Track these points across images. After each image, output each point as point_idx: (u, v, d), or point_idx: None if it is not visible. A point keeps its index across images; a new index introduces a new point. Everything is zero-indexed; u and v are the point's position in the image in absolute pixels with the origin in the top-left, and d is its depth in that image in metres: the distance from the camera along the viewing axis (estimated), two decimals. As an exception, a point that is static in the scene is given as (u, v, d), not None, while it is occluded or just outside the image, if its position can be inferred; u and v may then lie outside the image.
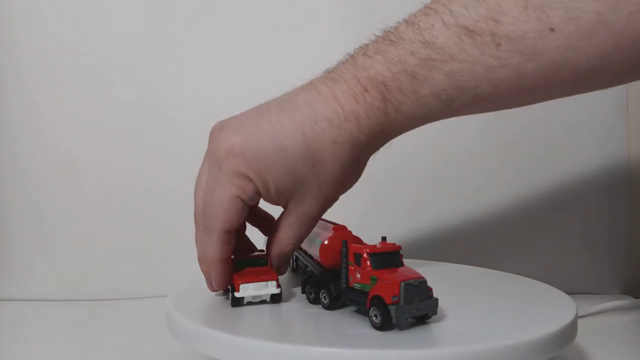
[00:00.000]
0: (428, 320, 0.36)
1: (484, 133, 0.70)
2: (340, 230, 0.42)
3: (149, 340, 0.50)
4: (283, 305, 0.41)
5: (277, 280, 0.41)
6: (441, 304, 0.41)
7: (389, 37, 0.37)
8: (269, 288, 0.40)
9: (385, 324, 0.34)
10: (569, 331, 0.36)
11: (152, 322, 0.55)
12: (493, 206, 0.68)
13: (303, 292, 0.42)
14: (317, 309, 0.40)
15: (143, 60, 0.69)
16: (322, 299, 0.40)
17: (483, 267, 0.54)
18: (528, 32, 0.33)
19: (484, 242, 0.67)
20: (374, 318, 0.34)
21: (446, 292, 0.45)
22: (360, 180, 0.68)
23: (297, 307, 0.41)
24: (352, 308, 0.39)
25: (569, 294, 0.43)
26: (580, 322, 0.38)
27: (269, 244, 0.42)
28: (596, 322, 0.55)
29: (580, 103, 0.69)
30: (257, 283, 0.40)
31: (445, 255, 0.56)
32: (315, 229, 0.43)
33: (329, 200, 0.41)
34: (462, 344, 0.32)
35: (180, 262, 0.68)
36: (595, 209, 0.68)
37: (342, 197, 0.68)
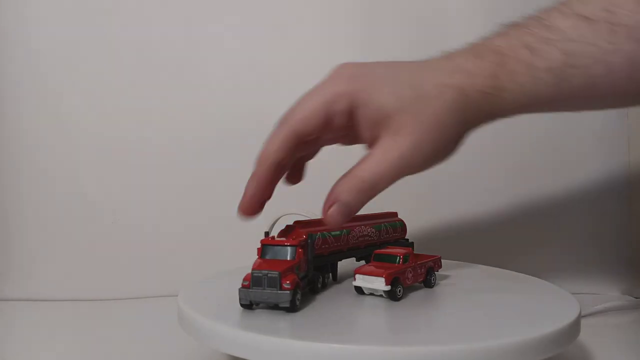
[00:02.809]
0: (434, 316, 0.37)
1: (488, 135, 0.70)
2: (291, 225, 0.43)
3: (150, 340, 0.50)
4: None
5: None
6: (447, 302, 0.41)
7: (510, 25, 0.40)
8: None
9: (241, 304, 0.38)
10: (573, 329, 0.36)
11: (154, 322, 0.55)
12: (497, 206, 0.69)
13: None
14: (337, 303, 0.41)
15: (145, 64, 0.69)
16: None
17: (489, 265, 0.54)
18: None
19: (490, 241, 0.67)
20: None
21: (452, 289, 0.45)
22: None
23: (319, 301, 0.41)
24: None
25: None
26: (580, 321, 0.39)
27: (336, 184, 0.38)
28: (597, 321, 0.55)
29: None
30: None
31: (451, 254, 0.56)
32: None
33: (421, 147, 0.38)
34: (466, 341, 0.32)
35: (181, 262, 0.68)
36: (596, 209, 0.68)
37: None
